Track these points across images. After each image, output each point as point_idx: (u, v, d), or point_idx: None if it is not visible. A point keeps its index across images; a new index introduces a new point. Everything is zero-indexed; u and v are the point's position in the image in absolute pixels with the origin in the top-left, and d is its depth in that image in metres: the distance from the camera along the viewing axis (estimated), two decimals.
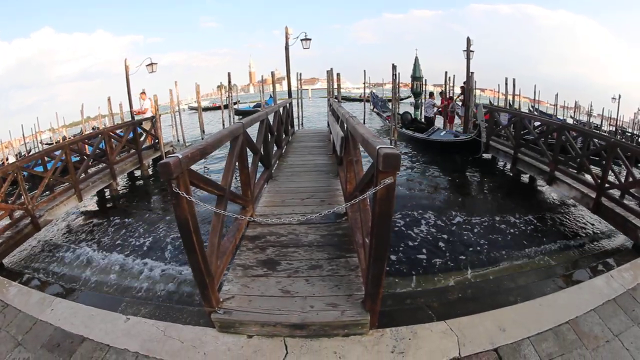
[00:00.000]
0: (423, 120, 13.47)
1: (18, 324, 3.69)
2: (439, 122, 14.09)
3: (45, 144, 22.86)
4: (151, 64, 13.06)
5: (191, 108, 36.75)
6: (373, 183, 2.23)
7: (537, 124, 8.46)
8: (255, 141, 5.19)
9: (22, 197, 5.89)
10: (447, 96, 15.47)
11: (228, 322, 2.77)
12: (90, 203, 8.62)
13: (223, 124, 16.08)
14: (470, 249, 5.23)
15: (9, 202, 6.01)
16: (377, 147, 2.10)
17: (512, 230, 5.78)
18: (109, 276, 5.17)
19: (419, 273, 4.63)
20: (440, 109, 14.23)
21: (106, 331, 3.23)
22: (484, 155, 9.17)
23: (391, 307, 3.59)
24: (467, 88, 11.08)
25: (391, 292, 4.08)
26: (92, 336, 3.20)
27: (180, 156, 2.26)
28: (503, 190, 8.00)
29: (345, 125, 4.62)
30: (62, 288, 4.61)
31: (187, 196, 2.25)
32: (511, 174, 8.51)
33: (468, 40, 11.03)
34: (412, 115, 14.95)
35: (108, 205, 8.64)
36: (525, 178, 8.21)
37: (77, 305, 3.80)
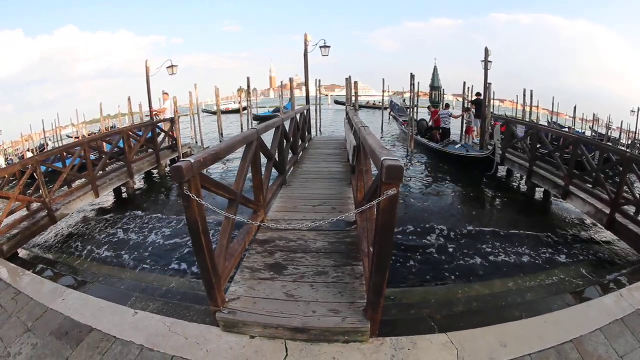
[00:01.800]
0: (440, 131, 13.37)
1: (29, 311, 3.81)
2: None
3: (74, 137, 23.47)
4: (172, 66, 13.26)
5: (205, 111, 36.99)
6: (378, 193, 2.27)
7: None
8: (270, 147, 5.25)
9: (40, 191, 6.06)
10: (464, 107, 15.38)
11: (232, 322, 2.83)
12: (106, 199, 8.81)
13: (242, 129, 16.17)
14: (480, 262, 5.20)
15: (27, 195, 6.20)
16: (382, 159, 2.14)
17: (524, 245, 5.70)
18: (121, 271, 5.31)
19: (426, 284, 4.64)
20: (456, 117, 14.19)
21: (114, 323, 3.33)
22: (499, 168, 9.12)
23: (395, 317, 3.61)
24: (484, 99, 10.99)
25: (397, 302, 4.09)
26: (100, 327, 3.31)
27: (192, 160, 2.34)
28: (517, 203, 7.94)
29: (359, 135, 4.66)
30: (74, 280, 4.74)
31: (197, 199, 2.32)
32: (526, 187, 8.41)
33: (486, 50, 10.92)
34: (428, 123, 14.86)
35: (124, 202, 8.82)
36: (540, 192, 8.11)
37: (87, 297, 3.91)
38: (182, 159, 2.39)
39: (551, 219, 7.06)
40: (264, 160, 4.81)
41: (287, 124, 6.72)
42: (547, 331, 2.91)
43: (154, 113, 12.00)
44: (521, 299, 4.21)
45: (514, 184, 9.47)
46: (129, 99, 19.98)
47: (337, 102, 43.63)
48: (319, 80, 20.59)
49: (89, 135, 22.10)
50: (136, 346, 2.98)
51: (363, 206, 2.77)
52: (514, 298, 4.26)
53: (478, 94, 15.96)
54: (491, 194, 8.73)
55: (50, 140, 25.36)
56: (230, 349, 2.74)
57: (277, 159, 5.69)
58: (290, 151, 7.39)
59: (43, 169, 6.52)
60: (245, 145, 3.86)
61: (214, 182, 2.97)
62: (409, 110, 15.69)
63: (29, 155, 17.82)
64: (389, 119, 21.87)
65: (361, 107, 39.27)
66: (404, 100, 25.67)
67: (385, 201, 2.14)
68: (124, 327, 3.24)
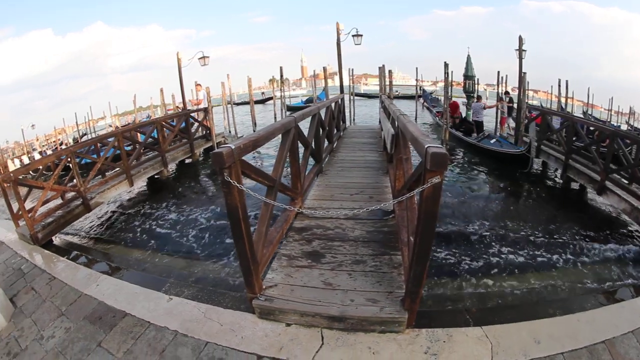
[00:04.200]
0: (472, 123, 13.12)
1: (63, 296, 3.92)
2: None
3: (116, 127, 24.28)
4: (203, 57, 13.38)
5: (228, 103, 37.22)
6: (420, 181, 2.23)
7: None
8: (306, 135, 5.24)
9: (75, 180, 6.21)
10: (498, 97, 15.04)
11: (269, 309, 2.84)
12: (141, 188, 9.01)
13: (275, 118, 16.25)
14: (514, 256, 5.11)
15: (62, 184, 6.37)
16: (426, 146, 2.09)
17: (557, 241, 5.57)
18: (155, 257, 5.42)
19: (461, 276, 4.59)
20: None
21: (148, 309, 3.39)
22: (534, 160, 8.86)
23: (430, 308, 3.58)
24: (519, 89, 10.72)
25: (432, 293, 4.07)
26: (134, 312, 3.38)
27: (233, 147, 2.34)
28: (552, 197, 7.72)
29: (396, 123, 4.60)
30: (108, 266, 4.84)
31: (238, 185, 2.32)
32: (561, 181, 8.19)
33: (520, 39, 10.63)
34: (462, 115, 14.53)
35: (158, 191, 9.00)
36: (575, 186, 7.88)
37: (121, 283, 4.01)
38: (222, 145, 2.39)
39: (586, 214, 6.82)
40: (299, 148, 4.81)
41: (322, 113, 6.70)
42: (580, 330, 2.84)
43: (192, 104, 12.18)
44: (554, 296, 4.15)
45: (549, 177, 9.19)
46: (162, 90, 20.38)
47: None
48: (352, 69, 20.43)
49: (122, 126, 22.66)
50: (170, 331, 3.02)
51: (403, 195, 2.72)
52: (547, 294, 4.20)
53: (506, 93, 15.58)
54: (526, 187, 8.53)
55: (87, 133, 26.24)
56: (265, 336, 2.75)
57: (313, 147, 5.66)
58: (326, 139, 7.37)
59: (77, 159, 6.68)
60: (283, 133, 3.86)
61: (254, 168, 2.96)
62: (440, 100, 15.40)
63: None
64: (422, 108, 21.58)
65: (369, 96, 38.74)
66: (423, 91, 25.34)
67: (429, 189, 2.09)
68: (158, 313, 3.30)
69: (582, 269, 4.87)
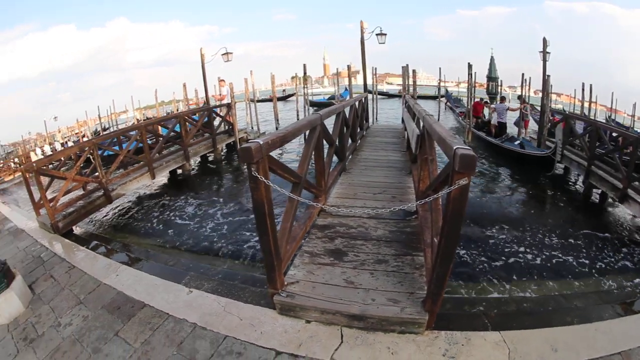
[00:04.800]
0: (496, 124, 12.98)
1: (82, 285, 3.99)
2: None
3: (142, 119, 24.79)
4: (226, 53, 13.39)
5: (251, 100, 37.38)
6: (447, 182, 2.22)
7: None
8: (331, 133, 5.25)
9: (97, 172, 6.30)
10: (521, 100, 14.81)
11: (289, 305, 2.85)
12: (162, 181, 9.14)
13: (297, 116, 16.27)
14: (534, 261, 5.07)
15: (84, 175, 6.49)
16: (455, 147, 2.07)
17: (578, 248, 5.50)
18: (175, 250, 5.50)
19: (480, 280, 4.57)
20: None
21: (167, 300, 3.43)
22: (557, 167, 8.78)
23: (449, 311, 3.54)
24: (542, 92, 10.56)
25: (451, 296, 4.03)
26: (153, 303, 3.42)
27: (261, 142, 2.35)
28: (573, 204, 7.59)
29: (422, 123, 4.58)
30: (128, 257, 4.92)
31: (265, 181, 2.34)
32: (582, 187, 8.02)
33: (544, 40, 10.41)
34: (486, 117, 14.38)
35: (180, 184, 9.13)
36: (597, 193, 7.68)
37: (141, 274, 4.05)
38: (251, 141, 2.40)
39: (607, 222, 6.69)
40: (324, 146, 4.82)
41: (346, 111, 6.71)
42: (597, 340, 2.79)
43: (216, 99, 12.30)
44: (572, 304, 4.06)
45: (571, 182, 9.06)
46: (184, 86, 20.57)
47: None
48: (375, 68, 20.35)
49: (144, 119, 23.07)
50: (189, 324, 3.05)
51: (427, 196, 2.71)
52: (565, 302, 4.11)
53: (519, 97, 15.33)
54: (547, 192, 8.44)
55: (110, 126, 26.77)
56: (284, 332, 2.76)
57: (337, 145, 5.67)
58: (349, 138, 7.37)
59: (99, 151, 6.79)
60: (309, 130, 3.89)
61: (281, 164, 2.99)
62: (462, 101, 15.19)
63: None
64: (445, 108, 21.38)
65: (389, 95, 38.37)
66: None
67: (456, 190, 2.08)
68: (178, 305, 3.33)
69: (600, 278, 4.79)
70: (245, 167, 10.05)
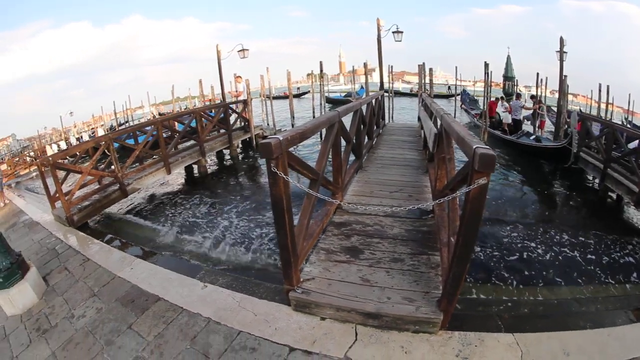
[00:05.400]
0: (510, 121, 12.86)
1: (96, 278, 4.04)
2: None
3: (158, 114, 25.14)
4: (242, 49, 13.43)
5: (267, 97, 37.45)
6: (465, 182, 2.22)
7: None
8: (349, 130, 5.25)
9: (112, 166, 6.38)
10: (537, 99, 14.63)
11: (305, 301, 2.86)
12: (178, 176, 9.22)
13: (313, 113, 16.27)
14: (547, 265, 5.00)
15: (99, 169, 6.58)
16: (474, 147, 2.06)
17: (591, 252, 5.40)
18: (190, 244, 5.51)
19: (493, 282, 4.53)
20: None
21: (182, 295, 3.45)
22: (573, 165, 8.57)
23: (462, 311, 3.53)
24: (559, 92, 10.42)
25: (465, 297, 4.01)
26: (167, 297, 3.45)
27: (280, 138, 2.37)
28: (588, 207, 7.47)
29: (439, 122, 4.57)
30: (142, 251, 4.97)
31: (284, 176, 2.35)
32: (598, 190, 7.91)
33: (561, 40, 10.25)
34: (500, 116, 14.26)
35: (195, 180, 9.22)
36: (613, 196, 7.58)
37: (156, 268, 4.09)
38: (270, 136, 2.42)
39: (623, 227, 6.57)
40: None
41: (363, 109, 6.69)
42: (610, 346, 2.77)
43: (232, 95, 12.38)
44: (585, 308, 4.03)
45: (587, 184, 8.90)
46: (200, 82, 20.69)
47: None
48: (392, 66, 20.22)
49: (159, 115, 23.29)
50: (203, 318, 3.07)
51: (444, 195, 2.70)
52: (578, 306, 4.08)
53: (533, 97, 15.14)
54: (562, 194, 8.35)
55: (127, 121, 27.15)
56: (299, 329, 2.77)
57: (354, 142, 5.66)
58: (366, 136, 7.38)
59: (116, 145, 6.87)
60: (327, 127, 3.90)
61: (300, 161, 3.00)
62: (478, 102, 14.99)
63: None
64: (460, 110, 21.18)
65: (401, 93, 38.02)
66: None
67: (475, 190, 2.06)
68: (192, 299, 3.36)
69: (614, 284, 4.71)
70: (262, 163, 10.18)
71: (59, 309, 3.59)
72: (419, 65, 15.84)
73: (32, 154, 19.98)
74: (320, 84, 15.96)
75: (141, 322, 3.16)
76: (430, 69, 15.39)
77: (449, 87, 33.62)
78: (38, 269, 4.10)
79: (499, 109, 13.86)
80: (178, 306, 3.29)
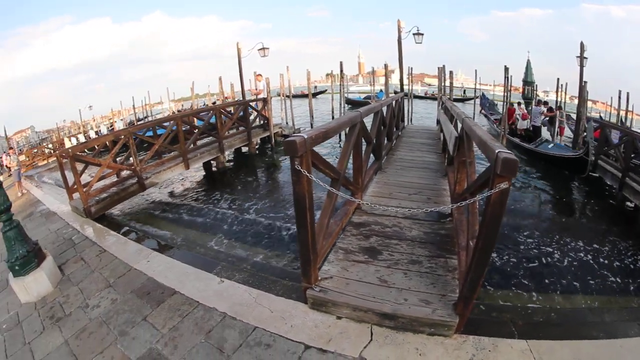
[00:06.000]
0: (530, 128, 12.70)
1: (112, 269, 4.09)
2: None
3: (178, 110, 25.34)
4: (263, 48, 13.53)
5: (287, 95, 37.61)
6: (486, 186, 2.21)
7: None
8: (369, 131, 5.27)
9: (131, 159, 6.47)
10: (557, 106, 14.43)
11: (322, 300, 2.88)
12: (196, 172, 9.32)
13: (332, 114, 16.29)
14: (563, 272, 4.97)
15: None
16: (497, 151, 2.06)
17: (607, 262, 5.34)
18: (207, 239, 5.57)
19: (509, 287, 4.51)
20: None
21: (198, 289, 3.49)
22: (591, 174, 8.49)
23: (477, 316, 3.53)
24: (579, 98, 10.27)
25: (480, 302, 4.00)
26: (183, 291, 3.49)
27: (305, 136, 2.39)
28: (605, 216, 7.33)
29: (460, 125, 4.56)
30: (159, 244, 5.01)
31: (308, 174, 2.37)
32: (616, 199, 7.79)
33: (582, 45, 10.13)
34: (518, 120, 14.06)
35: (213, 175, 9.32)
36: (631, 206, 7.42)
37: (173, 261, 4.13)
38: (294, 134, 2.45)
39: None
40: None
41: (384, 110, 6.73)
42: (622, 357, 2.74)
43: (252, 93, 12.48)
44: (599, 319, 3.98)
45: (605, 193, 8.69)
46: (220, 79, 20.80)
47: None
48: (411, 68, 20.14)
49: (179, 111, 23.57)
50: (218, 313, 3.10)
51: (463, 198, 2.70)
52: (592, 316, 4.06)
53: (545, 103, 14.96)
54: (580, 202, 8.27)
55: (147, 116, 27.65)
56: (315, 327, 2.78)
57: (375, 143, 5.68)
58: (385, 137, 7.40)
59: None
60: (349, 127, 3.92)
61: (323, 159, 3.03)
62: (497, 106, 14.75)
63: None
64: (479, 115, 21.04)
65: (415, 96, 37.68)
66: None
67: (496, 194, 2.06)
68: (208, 294, 3.39)
69: (629, 295, 4.66)
70: (282, 160, 10.18)
71: (73, 298, 3.65)
72: (438, 68, 15.70)
73: (50, 146, 20.31)
74: (340, 85, 15.91)
75: (156, 314, 3.20)
76: (451, 72, 15.25)
77: (465, 91, 33.37)
78: (54, 258, 4.18)
79: (517, 112, 13.73)
80: (194, 300, 3.32)
